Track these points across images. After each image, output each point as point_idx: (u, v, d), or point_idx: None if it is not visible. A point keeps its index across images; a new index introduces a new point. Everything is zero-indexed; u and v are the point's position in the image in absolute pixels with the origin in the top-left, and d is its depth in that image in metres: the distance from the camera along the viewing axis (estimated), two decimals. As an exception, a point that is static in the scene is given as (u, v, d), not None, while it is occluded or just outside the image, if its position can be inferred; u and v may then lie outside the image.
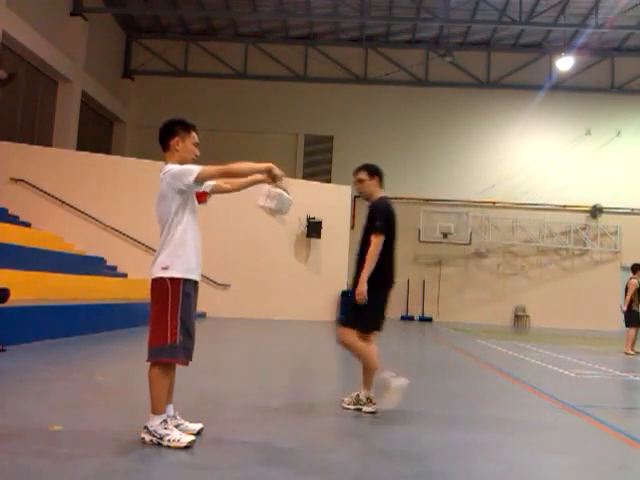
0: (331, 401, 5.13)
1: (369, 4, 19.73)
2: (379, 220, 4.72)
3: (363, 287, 4.61)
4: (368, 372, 4.75)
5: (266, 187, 3.95)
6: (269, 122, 22.70)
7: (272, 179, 3.80)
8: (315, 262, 17.93)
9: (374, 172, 4.97)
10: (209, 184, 3.88)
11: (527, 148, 22.85)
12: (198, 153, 3.78)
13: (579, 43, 21.19)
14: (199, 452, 3.41)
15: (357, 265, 4.81)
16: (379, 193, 4.97)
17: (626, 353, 11.33)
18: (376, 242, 4.66)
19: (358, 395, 4.78)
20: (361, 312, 4.71)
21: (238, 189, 4.01)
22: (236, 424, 4.18)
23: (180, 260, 3.55)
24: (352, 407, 4.77)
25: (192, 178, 3.51)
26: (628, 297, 11.61)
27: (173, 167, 3.60)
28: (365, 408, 4.71)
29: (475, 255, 22.41)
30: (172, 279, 3.52)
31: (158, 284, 3.54)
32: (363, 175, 4.96)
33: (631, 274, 12.03)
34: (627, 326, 11.66)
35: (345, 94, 22.97)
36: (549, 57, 22.76)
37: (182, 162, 3.71)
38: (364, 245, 4.76)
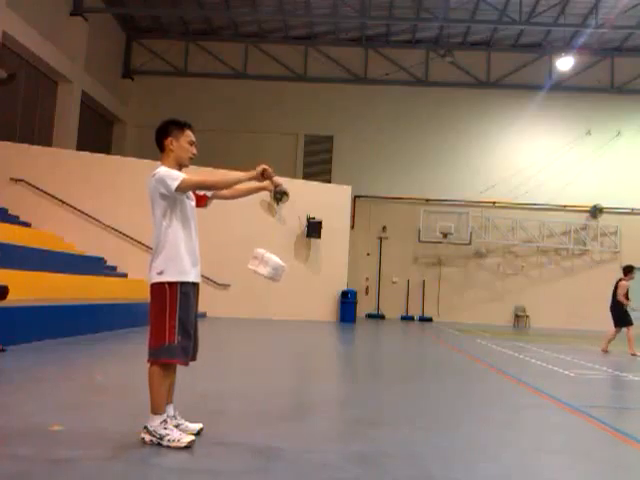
0: (331, 402, 5.13)
1: (369, 4, 19.71)
2: None
3: None
4: None
5: (260, 252, 3.93)
6: (269, 122, 22.68)
7: (266, 179, 3.78)
8: (315, 262, 17.92)
9: None
10: None
11: (527, 148, 22.84)
12: (195, 151, 3.75)
13: (579, 43, 21.20)
14: (199, 452, 3.41)
15: None
16: None
17: (633, 354, 11.00)
18: None
19: None
20: None
21: (237, 197, 3.99)
22: (236, 424, 4.18)
23: (174, 264, 3.56)
24: None
25: (175, 184, 3.50)
26: (623, 298, 11.42)
27: (160, 170, 3.60)
28: None
29: (475, 255, 22.40)
30: (169, 283, 3.54)
31: (156, 288, 3.58)
32: None
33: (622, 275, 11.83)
34: (619, 326, 11.38)
35: (345, 94, 22.96)
36: (549, 57, 22.77)
37: (178, 162, 3.71)
38: None
